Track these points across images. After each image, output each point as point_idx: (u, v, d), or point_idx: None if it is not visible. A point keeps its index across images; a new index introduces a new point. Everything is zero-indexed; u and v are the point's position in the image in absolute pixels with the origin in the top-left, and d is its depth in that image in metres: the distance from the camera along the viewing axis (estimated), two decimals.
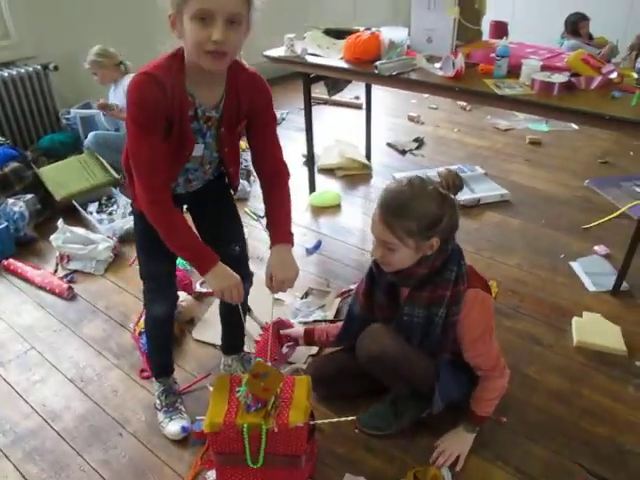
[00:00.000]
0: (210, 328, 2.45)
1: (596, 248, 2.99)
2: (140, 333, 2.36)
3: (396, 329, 1.83)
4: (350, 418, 1.79)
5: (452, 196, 1.65)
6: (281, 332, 2.14)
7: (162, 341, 2.05)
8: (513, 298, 2.64)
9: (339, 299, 2.64)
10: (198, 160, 1.68)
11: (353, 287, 2.68)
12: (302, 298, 2.67)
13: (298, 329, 2.18)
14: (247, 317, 2.48)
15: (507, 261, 2.92)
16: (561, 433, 1.98)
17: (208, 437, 1.73)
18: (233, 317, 1.91)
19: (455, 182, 1.65)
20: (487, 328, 1.76)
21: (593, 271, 2.79)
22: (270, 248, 1.71)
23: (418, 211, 1.60)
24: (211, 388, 2.07)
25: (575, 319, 2.47)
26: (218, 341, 2.28)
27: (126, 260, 2.97)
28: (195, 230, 1.69)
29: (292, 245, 1.73)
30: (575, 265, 2.87)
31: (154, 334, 2.02)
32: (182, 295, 2.48)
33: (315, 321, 2.49)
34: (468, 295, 1.70)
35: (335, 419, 1.79)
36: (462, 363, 1.84)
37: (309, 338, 2.14)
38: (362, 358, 1.89)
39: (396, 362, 1.81)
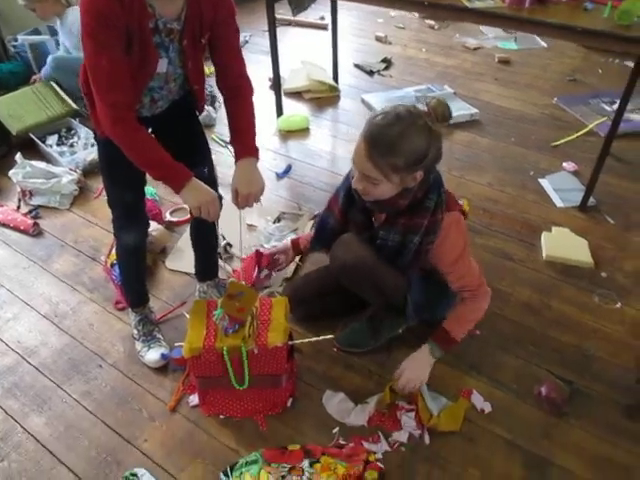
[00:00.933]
0: (183, 257, 2.43)
1: (565, 165, 3.02)
2: (112, 265, 2.33)
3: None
4: (328, 337, 1.82)
5: (439, 128, 1.58)
6: (264, 252, 2.15)
7: (135, 270, 2.02)
8: (484, 216, 2.67)
9: (312, 222, 2.63)
10: (162, 77, 1.60)
11: (319, 212, 2.68)
12: (274, 222, 2.65)
13: (283, 243, 2.21)
14: (225, 249, 2.47)
15: (478, 180, 2.94)
16: (531, 343, 2.07)
17: (188, 362, 1.75)
18: (205, 242, 1.89)
19: (445, 113, 1.58)
20: (464, 248, 1.76)
21: (561, 187, 2.82)
22: (235, 163, 1.68)
23: (406, 148, 1.53)
24: (188, 315, 2.08)
25: (544, 234, 2.53)
26: (192, 269, 2.26)
27: (92, 193, 2.88)
28: None
29: (257, 159, 1.69)
30: (544, 182, 2.90)
31: (126, 263, 1.99)
32: (153, 225, 2.42)
33: None
34: (445, 220, 1.69)
35: (314, 339, 1.83)
36: (434, 279, 1.86)
37: (296, 247, 2.15)
38: (335, 268, 1.90)
39: (368, 271, 1.82)
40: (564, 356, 2.02)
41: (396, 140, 1.52)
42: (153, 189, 2.73)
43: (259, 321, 1.74)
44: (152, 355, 1.99)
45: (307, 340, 1.83)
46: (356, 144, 1.60)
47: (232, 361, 1.71)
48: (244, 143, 1.68)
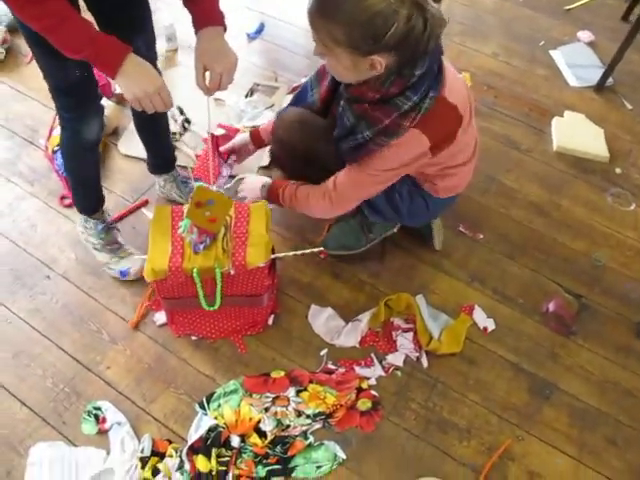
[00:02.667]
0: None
1: (579, 34, 2.61)
2: (54, 151, 1.93)
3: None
4: (316, 250, 1.56)
5: None
6: (221, 149, 1.79)
7: (89, 171, 1.65)
8: (488, 94, 2.32)
9: (290, 96, 2.23)
10: None
11: (304, 80, 2.28)
12: (246, 97, 2.25)
13: (241, 136, 1.83)
14: (183, 126, 2.09)
15: (481, 48, 2.54)
16: (538, 249, 1.86)
17: (152, 284, 1.48)
18: (153, 127, 1.51)
19: None
20: (394, 170, 1.45)
21: (576, 63, 2.45)
22: (196, 34, 1.28)
23: (349, 12, 1.14)
24: (147, 213, 1.76)
25: (556, 120, 2.22)
26: None
27: (22, 56, 2.36)
28: None
29: (225, 28, 1.30)
30: (556, 54, 2.52)
31: (77, 164, 1.60)
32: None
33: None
34: (408, 134, 1.33)
35: (299, 252, 1.55)
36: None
37: (257, 139, 1.80)
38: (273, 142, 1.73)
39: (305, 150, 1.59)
40: (573, 266, 1.83)
41: (340, 4, 1.15)
42: None
43: (235, 234, 1.45)
44: (133, 270, 1.69)
45: (292, 253, 1.55)
46: None
47: (204, 283, 1.45)
48: (205, 6, 1.26)
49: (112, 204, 1.86)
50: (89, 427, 1.47)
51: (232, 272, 1.41)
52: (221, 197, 1.38)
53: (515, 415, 1.53)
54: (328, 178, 1.55)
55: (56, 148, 1.91)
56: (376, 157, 1.40)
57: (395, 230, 1.80)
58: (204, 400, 1.51)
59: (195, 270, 1.39)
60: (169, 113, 1.84)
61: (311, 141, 1.58)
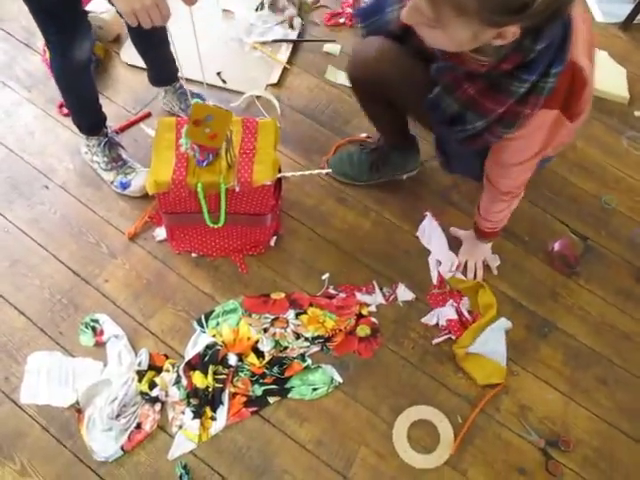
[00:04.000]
0: None
1: None
2: None
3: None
4: (325, 171, 1.52)
5: None
6: None
7: (84, 93, 1.57)
8: None
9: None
10: None
11: None
12: (256, 10, 2.12)
13: None
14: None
15: None
16: (549, 188, 1.82)
17: (156, 197, 1.43)
18: (150, 43, 1.43)
19: None
20: (537, 155, 1.24)
21: None
22: None
23: None
24: (146, 129, 1.70)
25: None
26: None
27: None
28: None
29: None
30: None
31: (72, 88, 1.54)
32: (101, 5, 1.90)
33: (274, 41, 2.02)
34: (536, 119, 1.11)
35: (307, 172, 1.50)
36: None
37: None
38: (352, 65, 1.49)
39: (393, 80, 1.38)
40: (582, 207, 1.79)
41: None
42: None
43: (242, 150, 1.40)
44: (135, 183, 1.64)
45: (299, 173, 1.49)
46: None
47: (207, 199, 1.40)
48: None
49: (113, 115, 1.78)
50: (86, 339, 1.47)
51: (237, 189, 1.37)
52: (219, 111, 1.31)
53: (512, 350, 1.53)
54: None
55: None
56: (502, 151, 1.23)
57: (404, 177, 1.75)
58: (202, 317, 1.51)
59: (200, 185, 1.35)
60: None
61: (397, 85, 1.38)
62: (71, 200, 1.66)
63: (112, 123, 1.75)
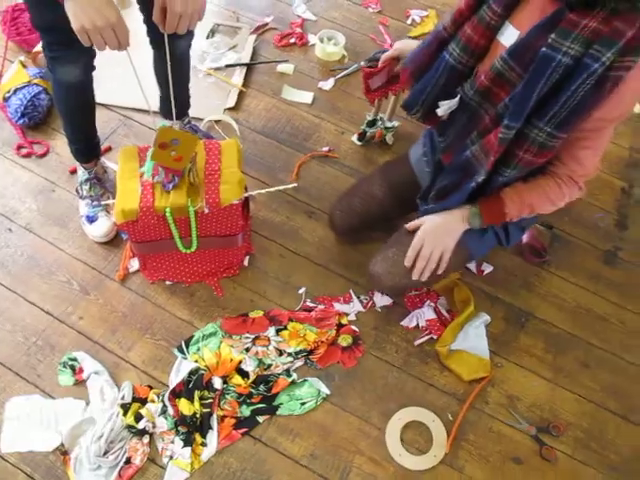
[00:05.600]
0: (100, 81, 1.92)
1: None
2: (5, 98, 1.81)
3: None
4: (291, 185, 1.52)
5: None
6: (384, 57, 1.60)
7: (80, 115, 1.55)
8: None
9: (254, 37, 2.15)
10: None
11: (269, 20, 2.21)
12: (208, 38, 2.15)
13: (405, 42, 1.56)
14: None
15: None
16: None
17: (123, 227, 1.42)
18: (173, 75, 1.41)
19: None
20: (626, 113, 1.16)
21: None
22: None
23: None
24: (109, 164, 1.70)
25: None
26: (115, 99, 1.80)
27: None
28: None
29: None
30: None
31: (68, 106, 1.51)
32: None
33: (228, 66, 2.04)
34: None
35: (273, 188, 1.50)
36: None
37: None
38: (376, 288, 1.60)
39: (414, 285, 1.48)
40: None
41: None
42: None
43: (207, 172, 1.40)
44: (99, 227, 1.62)
45: (265, 190, 1.50)
46: None
47: (177, 224, 1.40)
48: None
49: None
50: (66, 378, 1.43)
51: (206, 210, 1.37)
52: (186, 135, 1.31)
53: (493, 343, 1.55)
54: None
55: (7, 95, 1.79)
56: (626, 96, 1.10)
57: None
58: (183, 344, 1.49)
59: (168, 209, 1.34)
60: None
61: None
62: (37, 240, 1.62)
63: (70, 161, 1.73)
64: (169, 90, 1.38)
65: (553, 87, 1.09)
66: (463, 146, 1.29)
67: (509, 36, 1.18)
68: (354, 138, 1.92)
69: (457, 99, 1.28)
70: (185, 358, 1.47)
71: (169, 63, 1.33)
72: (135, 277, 1.59)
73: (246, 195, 1.44)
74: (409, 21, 2.28)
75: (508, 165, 1.22)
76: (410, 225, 1.40)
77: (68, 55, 1.33)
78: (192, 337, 1.50)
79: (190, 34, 1.50)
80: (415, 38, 2.20)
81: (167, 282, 1.58)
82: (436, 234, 1.34)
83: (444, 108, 1.31)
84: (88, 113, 1.54)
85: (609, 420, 1.48)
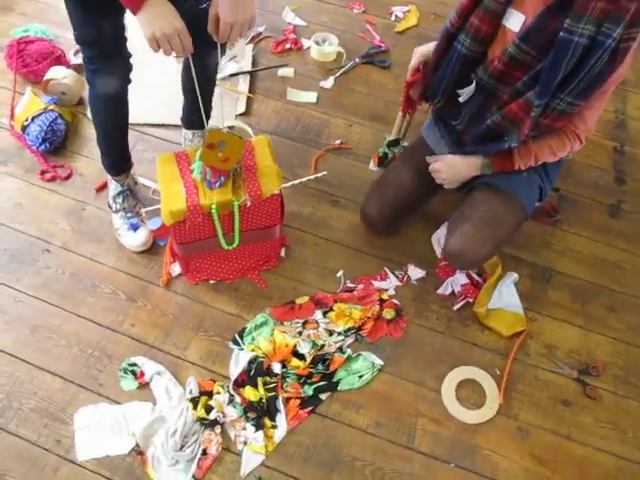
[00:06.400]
0: None
1: None
2: (24, 127, 1.84)
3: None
4: (321, 174, 1.60)
5: None
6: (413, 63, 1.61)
7: (117, 126, 1.61)
8: (436, 21, 2.41)
9: (251, 46, 2.24)
10: None
11: (262, 29, 2.30)
12: None
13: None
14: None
15: None
16: None
17: (170, 229, 1.48)
18: (201, 90, 1.48)
19: None
20: (625, 74, 1.34)
21: None
22: None
23: None
24: (142, 181, 1.77)
25: None
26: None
27: None
28: None
29: None
30: None
31: (105, 118, 1.57)
32: (61, 70, 1.94)
33: (232, 75, 2.13)
34: None
35: (305, 178, 1.55)
36: None
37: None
38: (459, 266, 1.65)
39: (494, 252, 1.60)
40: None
41: None
42: (42, 26, 2.15)
43: (245, 168, 1.47)
44: (136, 237, 1.67)
45: (298, 181, 1.55)
46: None
47: (221, 219, 1.47)
48: None
49: (95, 174, 1.82)
50: (128, 383, 1.47)
51: (249, 203, 1.44)
52: (232, 137, 1.40)
53: (524, 300, 1.65)
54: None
55: (25, 123, 1.83)
56: (626, 64, 1.27)
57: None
58: (236, 336, 1.54)
59: (214, 206, 1.41)
60: None
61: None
62: (76, 258, 1.66)
63: (94, 180, 1.80)
64: (196, 101, 1.47)
65: (574, 65, 1.24)
66: (481, 121, 1.42)
67: (515, 21, 1.32)
68: (371, 166, 1.91)
69: (474, 85, 1.41)
70: (242, 349, 1.53)
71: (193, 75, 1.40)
72: (178, 281, 1.64)
73: (284, 186, 1.51)
74: (393, 17, 2.41)
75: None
76: (432, 158, 1.58)
77: (108, 67, 1.41)
78: (244, 329, 1.56)
79: (223, 49, 1.58)
80: (401, 33, 2.34)
81: (210, 281, 1.64)
82: (454, 167, 1.54)
83: (465, 94, 1.44)
84: (124, 125, 1.61)
85: None
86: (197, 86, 1.41)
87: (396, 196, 1.66)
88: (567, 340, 1.61)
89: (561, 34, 1.21)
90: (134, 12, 1.16)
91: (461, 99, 1.45)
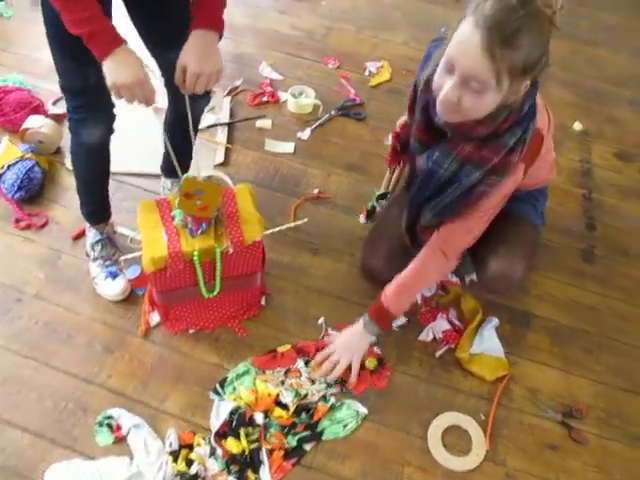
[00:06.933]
0: None
1: None
2: None
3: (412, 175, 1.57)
4: (301, 222, 1.61)
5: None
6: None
7: (97, 176, 1.61)
8: (407, 76, 2.49)
9: (229, 98, 2.29)
10: None
11: (239, 83, 2.36)
12: None
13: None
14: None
15: (392, 39, 2.74)
16: None
17: (150, 277, 1.46)
18: (180, 136, 1.50)
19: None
20: (497, 207, 1.43)
21: None
22: (189, 32, 1.30)
23: (528, 43, 1.11)
24: (120, 230, 1.76)
25: None
26: None
27: None
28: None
29: (219, 34, 1.31)
30: None
31: (86, 168, 1.57)
32: (39, 119, 1.94)
33: (210, 126, 2.15)
34: (517, 167, 1.31)
35: (285, 226, 1.57)
36: None
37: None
38: (503, 289, 1.68)
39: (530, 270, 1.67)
40: None
41: (521, 29, 1.08)
42: (20, 77, 2.16)
43: (227, 215, 1.47)
44: (114, 285, 1.63)
45: (278, 228, 1.56)
46: (460, 37, 1.13)
47: (203, 267, 1.45)
48: (208, 12, 1.28)
49: (72, 222, 1.80)
50: (104, 438, 1.41)
51: (231, 250, 1.43)
52: (209, 185, 1.40)
53: (505, 344, 1.66)
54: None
55: (1, 171, 1.81)
56: (483, 198, 1.37)
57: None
58: (217, 386, 1.50)
59: (196, 252, 1.40)
60: None
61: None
62: (50, 307, 1.62)
63: (71, 229, 1.78)
64: (176, 150, 1.50)
65: (436, 190, 1.41)
66: None
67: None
68: (360, 219, 1.93)
69: None
70: (222, 399, 1.48)
71: (191, 121, 1.46)
72: (157, 330, 1.61)
73: (266, 232, 1.52)
74: (367, 72, 2.50)
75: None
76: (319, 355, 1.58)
77: (93, 117, 1.41)
78: (225, 379, 1.52)
79: (207, 98, 1.61)
80: (375, 87, 2.43)
81: (190, 331, 1.61)
82: (346, 346, 1.56)
83: None
84: (105, 175, 1.61)
85: (622, 397, 1.60)
86: (171, 135, 1.44)
87: (397, 242, 1.66)
88: (549, 383, 1.61)
89: (429, 165, 1.38)
90: (99, 59, 1.18)
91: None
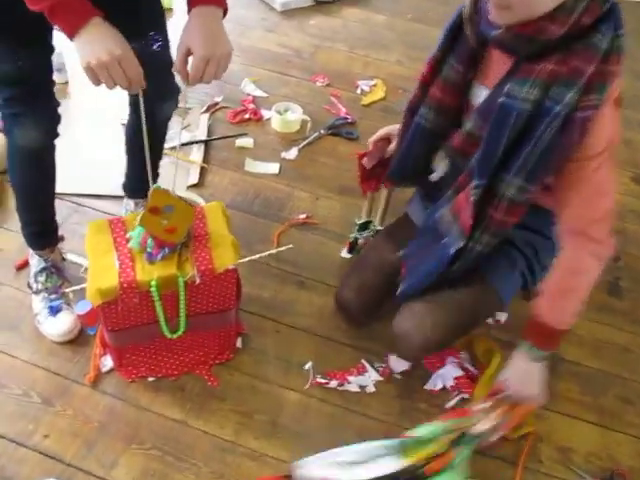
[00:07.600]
0: None
1: None
2: None
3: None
4: (285, 248, 1.36)
5: None
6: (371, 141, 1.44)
7: (38, 190, 1.35)
8: (403, 95, 2.30)
9: (206, 115, 2.07)
10: None
11: (219, 99, 2.14)
12: None
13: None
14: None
15: (386, 58, 2.54)
16: None
17: (99, 313, 1.19)
18: (143, 151, 1.24)
19: None
20: (612, 144, 1.06)
21: None
22: (188, 13, 1.06)
23: None
24: (70, 257, 1.50)
25: None
26: (63, 188, 1.58)
27: None
28: None
29: (224, 10, 1.07)
30: None
31: (23, 179, 1.31)
32: None
33: (184, 144, 1.91)
34: (615, 82, 1.00)
35: (266, 252, 1.32)
36: None
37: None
38: (405, 350, 1.37)
39: (447, 340, 1.32)
40: None
41: None
42: None
43: (193, 239, 1.22)
44: (59, 323, 1.36)
45: (258, 255, 1.30)
46: None
47: (163, 300, 1.19)
48: None
49: (16, 246, 1.54)
50: None
51: (198, 280, 1.17)
52: (182, 203, 1.16)
53: None
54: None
55: None
56: (588, 131, 1.01)
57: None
58: None
59: (154, 282, 1.14)
60: None
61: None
62: None
63: (16, 257, 1.51)
64: (141, 164, 1.21)
65: (518, 137, 1.03)
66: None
67: (478, 95, 1.15)
68: (343, 253, 1.68)
69: (447, 161, 1.22)
70: None
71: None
72: (110, 377, 1.33)
73: (242, 260, 1.26)
74: (359, 91, 2.29)
75: (479, 226, 1.13)
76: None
77: (29, 113, 1.16)
78: None
79: (175, 100, 1.39)
80: (368, 105, 2.22)
81: (149, 379, 1.33)
82: (522, 383, 1.22)
83: (438, 172, 1.25)
84: (47, 188, 1.35)
85: None
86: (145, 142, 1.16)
87: (377, 277, 1.39)
88: (583, 441, 1.34)
89: (500, 99, 1.02)
90: (69, 37, 0.94)
91: (433, 176, 1.25)
